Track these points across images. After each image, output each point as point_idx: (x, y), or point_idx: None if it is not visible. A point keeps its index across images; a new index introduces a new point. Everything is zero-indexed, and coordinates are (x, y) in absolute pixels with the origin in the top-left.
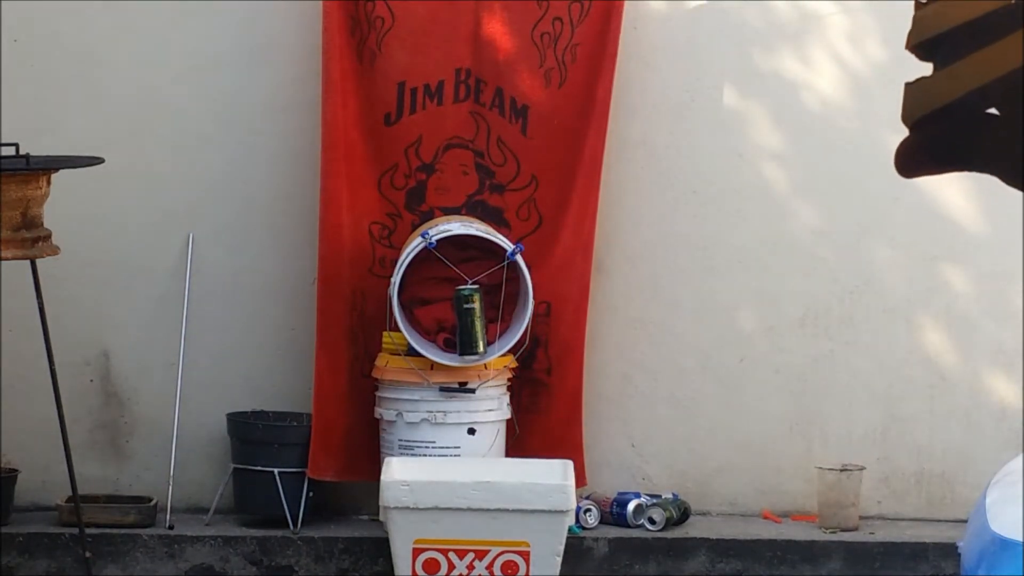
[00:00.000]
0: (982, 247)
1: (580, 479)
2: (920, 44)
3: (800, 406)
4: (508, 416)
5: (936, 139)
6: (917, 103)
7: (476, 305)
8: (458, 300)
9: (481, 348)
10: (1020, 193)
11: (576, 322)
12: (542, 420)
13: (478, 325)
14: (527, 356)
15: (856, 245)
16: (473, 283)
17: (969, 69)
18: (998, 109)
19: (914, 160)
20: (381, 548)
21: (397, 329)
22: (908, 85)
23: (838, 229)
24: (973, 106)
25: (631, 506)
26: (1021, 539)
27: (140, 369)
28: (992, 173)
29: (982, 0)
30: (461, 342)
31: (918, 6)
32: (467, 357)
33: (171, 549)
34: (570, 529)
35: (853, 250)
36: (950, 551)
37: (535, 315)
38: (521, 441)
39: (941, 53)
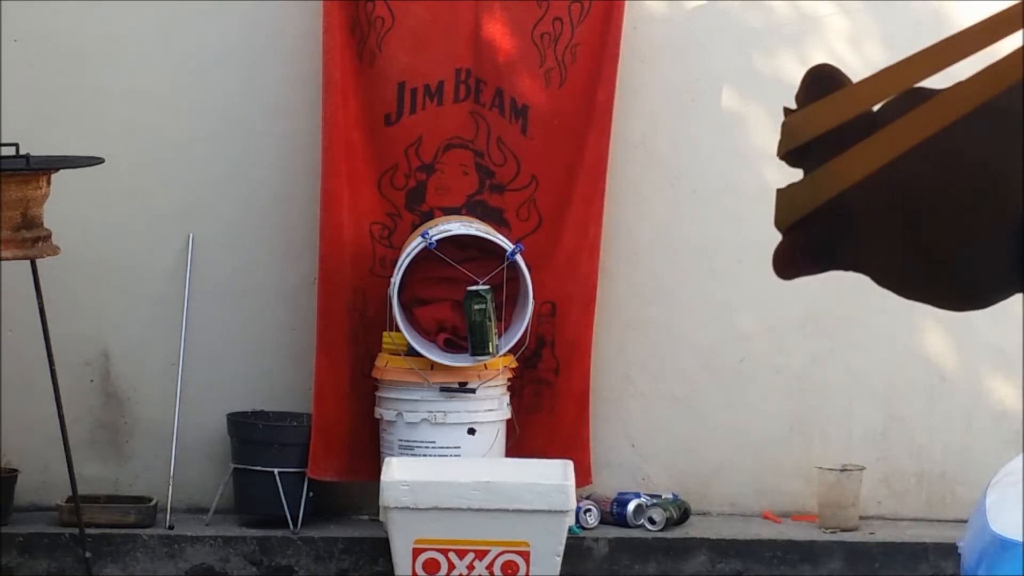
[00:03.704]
0: None
1: (586, 477)
2: (790, 152)
3: (800, 406)
4: (508, 416)
5: (810, 243)
6: (788, 209)
7: (487, 306)
8: (469, 300)
9: (491, 349)
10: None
11: (584, 322)
12: (549, 420)
13: (488, 325)
14: (533, 356)
15: None
16: (484, 284)
17: (828, 176)
18: (857, 214)
19: (792, 264)
20: (381, 548)
21: (397, 329)
22: (779, 191)
23: None
24: (836, 211)
25: (631, 506)
26: (1021, 539)
27: (140, 369)
28: (864, 273)
29: (845, 108)
30: (472, 343)
31: (787, 113)
32: (479, 357)
33: (171, 549)
34: (570, 529)
35: None
36: (950, 551)
37: (540, 315)
38: (527, 441)
39: (808, 160)
